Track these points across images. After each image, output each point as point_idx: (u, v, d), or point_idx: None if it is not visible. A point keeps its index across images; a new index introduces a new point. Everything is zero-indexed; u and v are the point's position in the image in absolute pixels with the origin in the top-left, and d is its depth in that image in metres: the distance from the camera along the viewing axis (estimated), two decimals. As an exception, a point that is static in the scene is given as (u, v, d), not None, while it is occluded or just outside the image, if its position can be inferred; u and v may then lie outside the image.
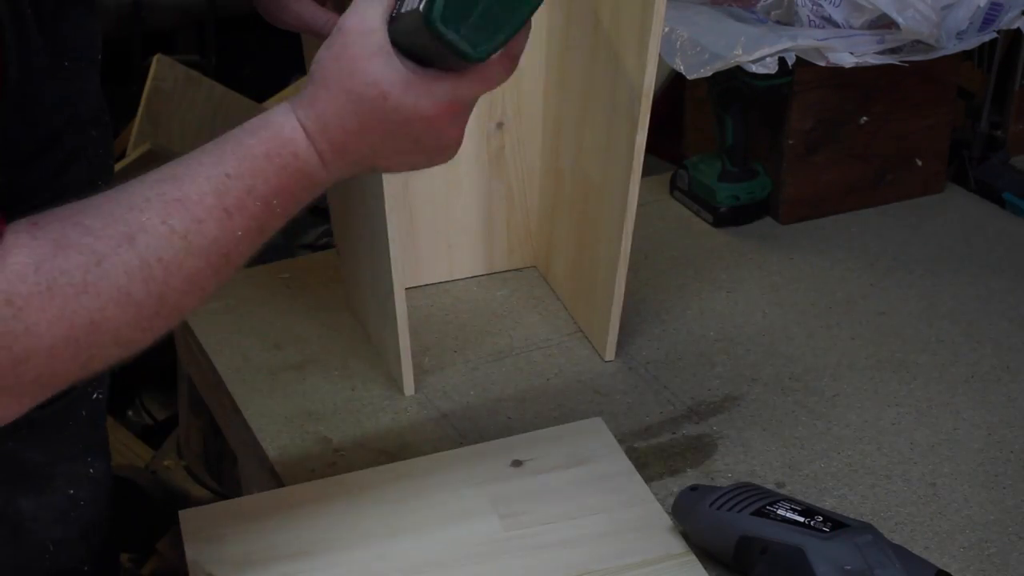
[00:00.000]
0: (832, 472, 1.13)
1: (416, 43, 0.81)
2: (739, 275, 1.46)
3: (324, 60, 0.82)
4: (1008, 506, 1.09)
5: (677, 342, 1.33)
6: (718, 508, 0.99)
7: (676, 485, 1.09)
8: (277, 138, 0.81)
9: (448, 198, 1.40)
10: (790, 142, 1.53)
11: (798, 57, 1.41)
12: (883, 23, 1.42)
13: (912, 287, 1.43)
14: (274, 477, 1.14)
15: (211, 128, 2.57)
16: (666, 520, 1.04)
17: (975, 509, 1.08)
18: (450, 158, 0.87)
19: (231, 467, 1.64)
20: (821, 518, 0.95)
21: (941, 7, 1.43)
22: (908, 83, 1.54)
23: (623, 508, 1.06)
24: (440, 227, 1.41)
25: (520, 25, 0.81)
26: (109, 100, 0.97)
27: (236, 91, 2.69)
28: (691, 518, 1.01)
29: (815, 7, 1.44)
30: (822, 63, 1.41)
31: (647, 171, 1.22)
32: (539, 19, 1.32)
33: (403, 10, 0.81)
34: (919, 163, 1.61)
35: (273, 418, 1.21)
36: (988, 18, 1.47)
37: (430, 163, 0.87)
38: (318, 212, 2.00)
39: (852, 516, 0.99)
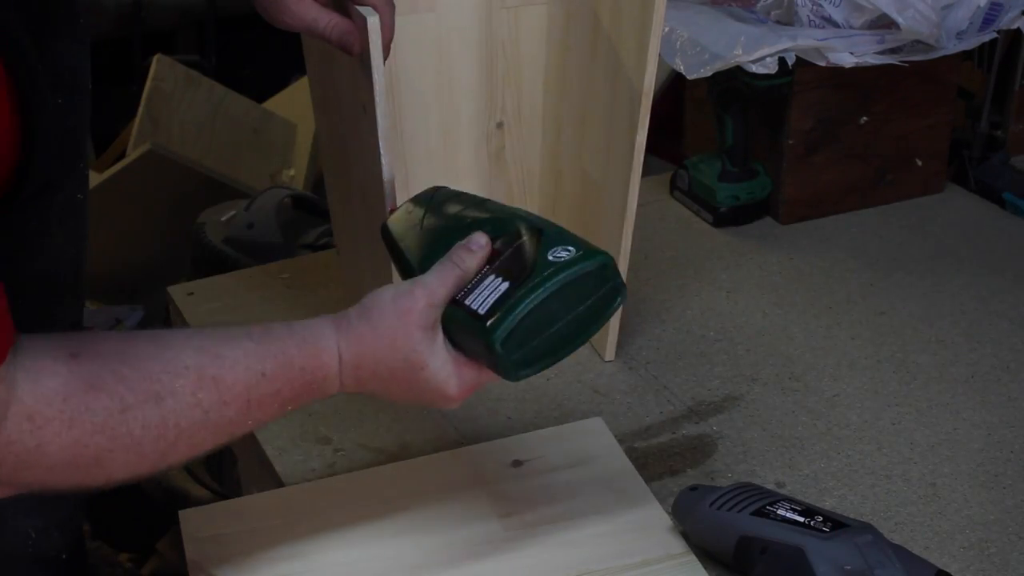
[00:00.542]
0: (832, 472, 1.13)
1: (466, 338, 0.90)
2: (739, 275, 1.46)
3: (385, 306, 0.90)
4: (1008, 506, 1.09)
5: (677, 342, 1.33)
6: (718, 508, 0.99)
7: (676, 485, 1.09)
8: (316, 358, 0.89)
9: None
10: (790, 142, 1.53)
11: (798, 57, 1.41)
12: (883, 23, 1.42)
13: (912, 287, 1.43)
14: (274, 477, 1.14)
15: (211, 128, 2.58)
16: (666, 520, 1.04)
17: (975, 509, 1.08)
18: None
19: (231, 467, 1.64)
20: (821, 518, 0.95)
21: (941, 7, 1.43)
22: (908, 83, 1.54)
23: (623, 508, 1.06)
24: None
25: (560, 359, 0.91)
26: (109, 100, 0.98)
27: (236, 91, 2.70)
28: (691, 518, 1.01)
29: (815, 7, 1.44)
30: (822, 63, 1.41)
31: (647, 171, 1.22)
32: (539, 19, 1.33)
33: (467, 301, 0.89)
34: (919, 163, 1.61)
35: (273, 418, 1.21)
36: (988, 18, 1.47)
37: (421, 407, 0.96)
38: (318, 212, 2.01)
39: (852, 516, 0.99)
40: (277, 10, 1.05)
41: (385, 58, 1.04)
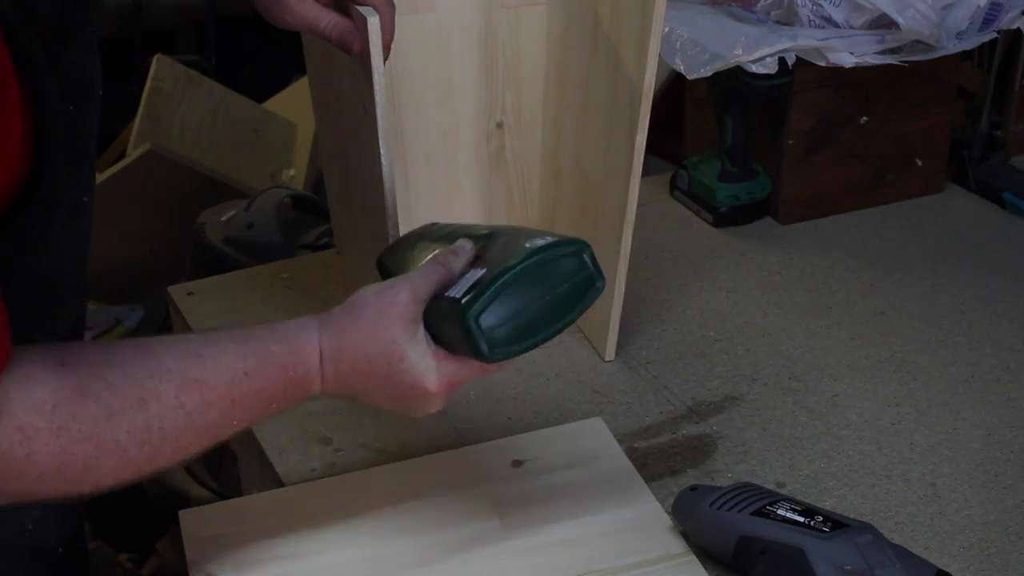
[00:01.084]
0: (832, 472, 1.13)
1: (445, 326, 0.90)
2: (739, 275, 1.46)
3: (368, 300, 0.91)
4: (1008, 506, 1.09)
5: (677, 342, 1.33)
6: (718, 508, 0.99)
7: (676, 485, 1.09)
8: (296, 353, 0.89)
9: (448, 198, 1.40)
10: (790, 142, 1.53)
11: (798, 57, 1.41)
12: (883, 23, 1.42)
13: (912, 287, 1.43)
14: (274, 477, 1.14)
15: (211, 128, 2.58)
16: (666, 520, 1.04)
17: (975, 509, 1.08)
18: (428, 413, 0.95)
19: (231, 467, 1.64)
20: (821, 518, 0.95)
21: (941, 7, 1.43)
22: (908, 83, 1.54)
23: (623, 508, 1.06)
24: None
25: (540, 344, 0.92)
26: (109, 100, 0.98)
27: (236, 91, 2.70)
28: (691, 518, 1.01)
29: (815, 7, 1.44)
30: (822, 63, 1.41)
31: (647, 171, 1.22)
32: (539, 19, 1.33)
33: (448, 293, 0.90)
34: (919, 163, 1.61)
35: (273, 418, 1.21)
36: (988, 18, 1.46)
37: (408, 415, 0.95)
38: (318, 212, 2.01)
39: (852, 516, 0.99)
40: (278, 10, 1.06)
41: (385, 58, 1.05)
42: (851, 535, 0.93)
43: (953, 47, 1.46)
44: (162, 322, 2.01)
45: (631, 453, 1.15)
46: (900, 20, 1.39)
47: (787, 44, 1.40)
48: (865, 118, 1.55)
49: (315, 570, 1.00)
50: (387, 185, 1.11)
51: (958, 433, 1.18)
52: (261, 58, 2.90)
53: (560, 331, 0.93)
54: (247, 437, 1.21)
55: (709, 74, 1.40)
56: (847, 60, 1.41)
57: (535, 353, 1.29)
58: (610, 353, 1.29)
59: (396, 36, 1.09)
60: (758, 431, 1.19)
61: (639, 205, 1.20)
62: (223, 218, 2.04)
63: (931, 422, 1.20)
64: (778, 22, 1.48)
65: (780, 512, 0.96)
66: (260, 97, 2.77)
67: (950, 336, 1.34)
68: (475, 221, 1.42)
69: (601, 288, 0.93)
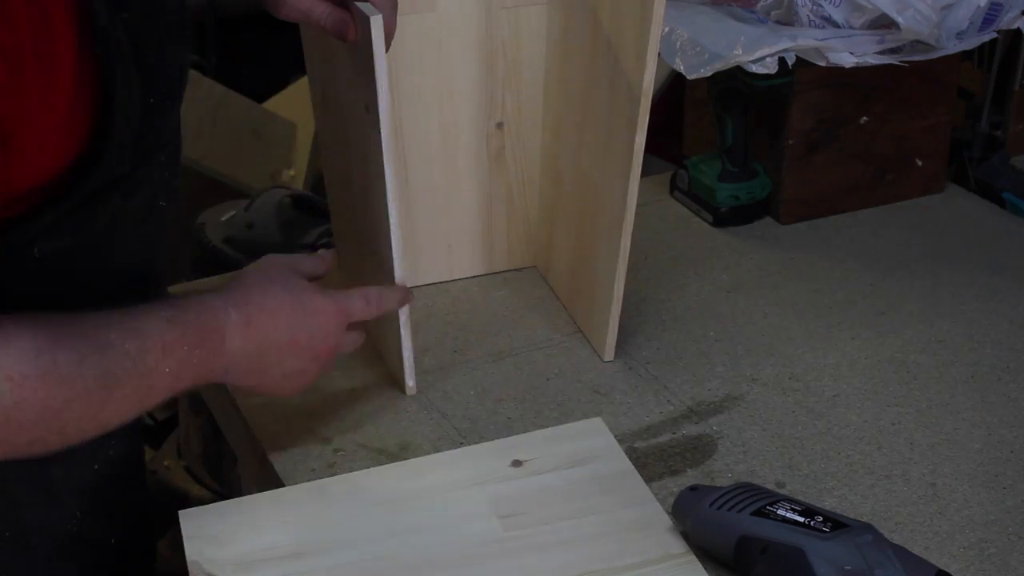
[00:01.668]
0: (832, 472, 1.13)
1: None
2: (739, 275, 1.46)
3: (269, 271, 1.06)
4: (1008, 506, 1.09)
5: (677, 342, 1.33)
6: (718, 508, 0.99)
7: (676, 485, 1.09)
8: (206, 302, 1.00)
9: (448, 198, 1.40)
10: (790, 142, 1.53)
11: (798, 57, 1.41)
12: (883, 23, 1.42)
13: (912, 287, 1.43)
14: (274, 477, 1.14)
15: (211, 128, 2.57)
16: (666, 520, 1.04)
17: (975, 509, 1.08)
18: (305, 384, 1.08)
19: (231, 467, 1.64)
20: (821, 518, 0.95)
21: (941, 7, 1.43)
22: (908, 83, 1.54)
23: (623, 508, 1.06)
24: (440, 227, 1.41)
25: None
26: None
27: (236, 91, 2.70)
28: (691, 518, 1.01)
29: (815, 7, 1.44)
30: (822, 63, 1.41)
31: (647, 171, 1.22)
32: (539, 19, 1.33)
33: None
34: (919, 163, 1.61)
35: (273, 418, 1.21)
36: (988, 18, 1.46)
37: (309, 359, 1.06)
38: (318, 212, 2.01)
39: (852, 516, 0.99)
40: (278, 2, 1.08)
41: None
42: (851, 535, 0.93)
43: (953, 47, 1.46)
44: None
45: (631, 453, 1.15)
46: (900, 20, 1.39)
47: (787, 44, 1.39)
48: (865, 118, 1.55)
49: (315, 570, 1.00)
50: (388, 185, 1.11)
51: (958, 433, 1.18)
52: (261, 58, 2.90)
53: None
54: (247, 437, 1.21)
55: (709, 74, 1.40)
56: (847, 60, 1.41)
57: (535, 353, 1.31)
58: (609, 353, 1.29)
59: (397, 36, 1.09)
60: (758, 431, 1.19)
61: (639, 205, 1.20)
62: (223, 218, 2.04)
63: (931, 422, 1.20)
64: (778, 22, 1.48)
65: (780, 512, 0.96)
66: (260, 97, 2.77)
67: (950, 336, 1.34)
68: (475, 221, 1.42)
69: None
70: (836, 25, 1.44)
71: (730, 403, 1.23)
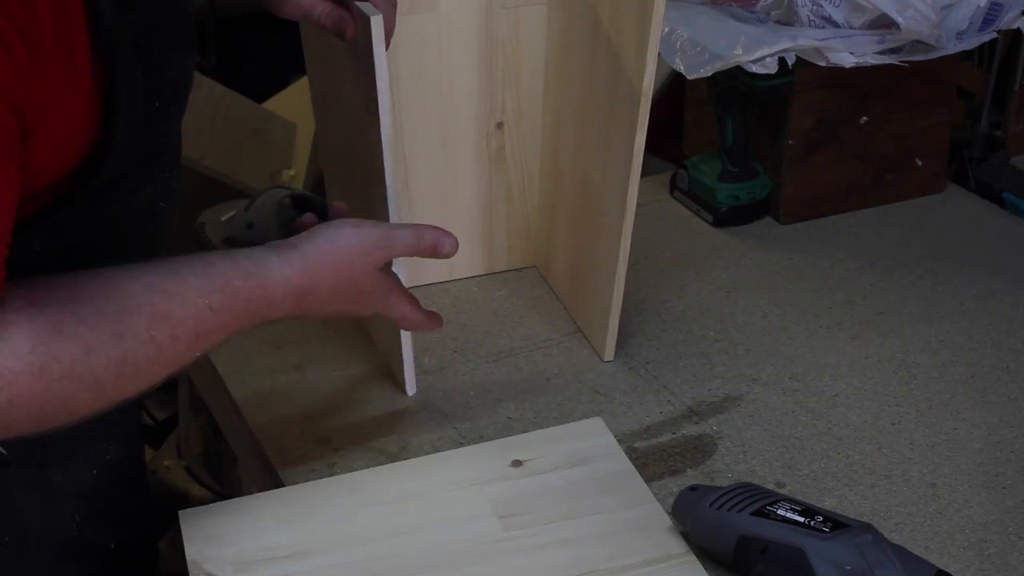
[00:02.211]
0: (832, 472, 1.13)
1: None
2: (739, 275, 1.46)
3: (344, 246, 1.00)
4: (1008, 506, 1.09)
5: (677, 342, 1.33)
6: (718, 508, 0.99)
7: (676, 485, 1.09)
8: (263, 289, 0.93)
9: (448, 198, 1.40)
10: (790, 142, 1.53)
11: (798, 57, 1.41)
12: (883, 23, 1.42)
13: (912, 287, 1.43)
14: (274, 477, 1.14)
15: (211, 128, 2.57)
16: (666, 520, 1.04)
17: (975, 509, 1.08)
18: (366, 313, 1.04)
19: (231, 467, 1.64)
20: (821, 518, 0.95)
21: (941, 7, 1.43)
22: (908, 83, 1.54)
23: (623, 508, 1.06)
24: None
25: None
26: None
27: (236, 91, 2.69)
28: (691, 518, 1.01)
29: (815, 7, 1.44)
30: (822, 63, 1.41)
31: (647, 171, 1.22)
32: (539, 19, 1.33)
33: None
34: (919, 163, 1.61)
35: (273, 418, 1.21)
36: (988, 18, 1.46)
37: (354, 309, 1.02)
38: (318, 212, 2.01)
39: (852, 516, 0.99)
40: (278, 1, 1.09)
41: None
42: (851, 535, 0.93)
43: (953, 47, 1.46)
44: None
45: (631, 453, 1.15)
46: (900, 20, 1.39)
47: (787, 44, 1.39)
48: (865, 118, 1.55)
49: (315, 570, 1.00)
50: (388, 185, 1.11)
51: (958, 433, 1.18)
52: (261, 58, 2.90)
53: None
54: (247, 437, 1.21)
55: (709, 74, 1.40)
56: (847, 60, 1.41)
57: (535, 353, 1.31)
58: (609, 353, 1.29)
59: (397, 36, 1.09)
60: (758, 431, 1.19)
61: (639, 205, 1.20)
62: (223, 218, 2.04)
63: (931, 422, 1.20)
64: (778, 22, 1.48)
65: (780, 512, 0.96)
66: (260, 97, 2.77)
67: (950, 336, 1.34)
68: (475, 221, 1.42)
69: None
70: (836, 25, 1.44)
71: (730, 403, 1.23)
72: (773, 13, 1.48)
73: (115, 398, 0.86)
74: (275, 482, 1.14)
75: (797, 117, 1.51)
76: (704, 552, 1.01)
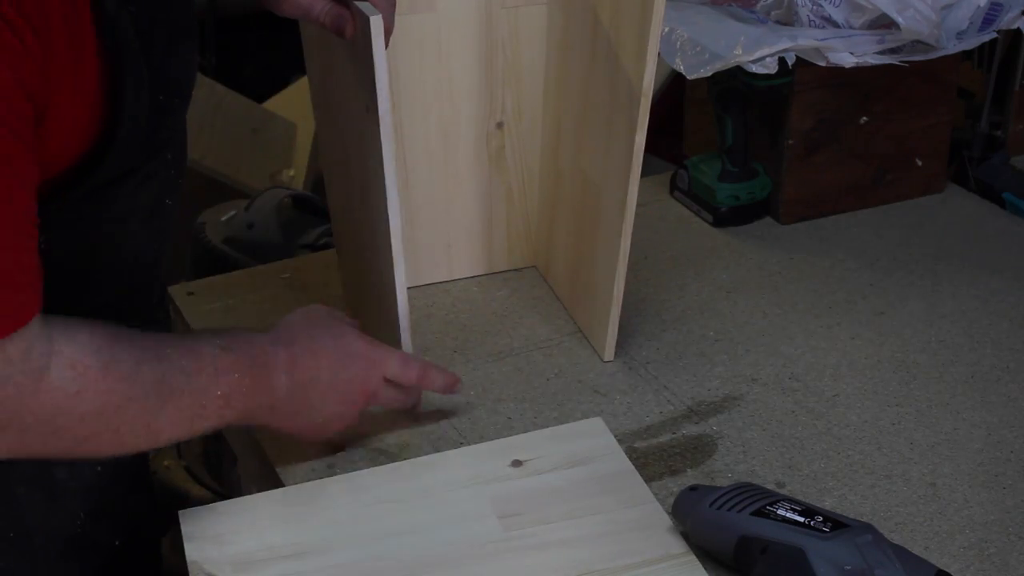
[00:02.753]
0: (832, 472, 1.13)
1: None
2: (739, 275, 1.46)
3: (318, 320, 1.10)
4: (1008, 506, 1.09)
5: (677, 342, 1.33)
6: (718, 508, 0.98)
7: (676, 485, 1.09)
8: (257, 338, 1.03)
9: (448, 198, 1.40)
10: (790, 142, 1.53)
11: (798, 57, 1.41)
12: (883, 23, 1.42)
13: (912, 287, 1.43)
14: (274, 477, 1.14)
15: (211, 128, 2.58)
16: (666, 520, 1.04)
17: (975, 509, 1.08)
18: (341, 429, 1.11)
19: (231, 467, 1.64)
20: (821, 518, 0.95)
21: (941, 7, 1.43)
22: (908, 83, 1.54)
23: (623, 508, 1.06)
24: (440, 227, 1.41)
25: None
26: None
27: (236, 91, 2.70)
28: (691, 518, 1.01)
29: (815, 7, 1.44)
30: (822, 63, 1.41)
31: (647, 171, 1.22)
32: (539, 19, 1.33)
33: None
34: (919, 163, 1.61)
35: (273, 418, 1.21)
36: (988, 18, 1.46)
37: (347, 406, 1.09)
38: (318, 212, 2.01)
39: (852, 516, 0.99)
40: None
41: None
42: (851, 535, 0.93)
43: (953, 47, 1.46)
44: (162, 322, 2.01)
45: (631, 453, 1.15)
46: (900, 20, 1.39)
47: (787, 44, 1.40)
48: (865, 118, 1.55)
49: (315, 570, 1.00)
50: (388, 185, 1.11)
51: (958, 433, 1.18)
52: (261, 58, 2.90)
53: None
54: (247, 437, 1.21)
55: (709, 74, 1.40)
56: (847, 60, 1.41)
57: (535, 353, 1.31)
58: (609, 353, 1.29)
59: (396, 36, 1.09)
60: (758, 431, 1.19)
61: (639, 205, 1.20)
62: (223, 218, 2.04)
63: (931, 422, 1.20)
64: (778, 22, 1.48)
65: (780, 512, 0.96)
66: (260, 97, 2.77)
67: (950, 336, 1.34)
68: (475, 221, 1.42)
69: None
70: (836, 25, 1.44)
71: (730, 403, 1.23)
72: (773, 13, 1.48)
73: (152, 425, 0.92)
74: (275, 482, 1.14)
75: (797, 117, 1.51)
76: (704, 552, 1.01)
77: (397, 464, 1.13)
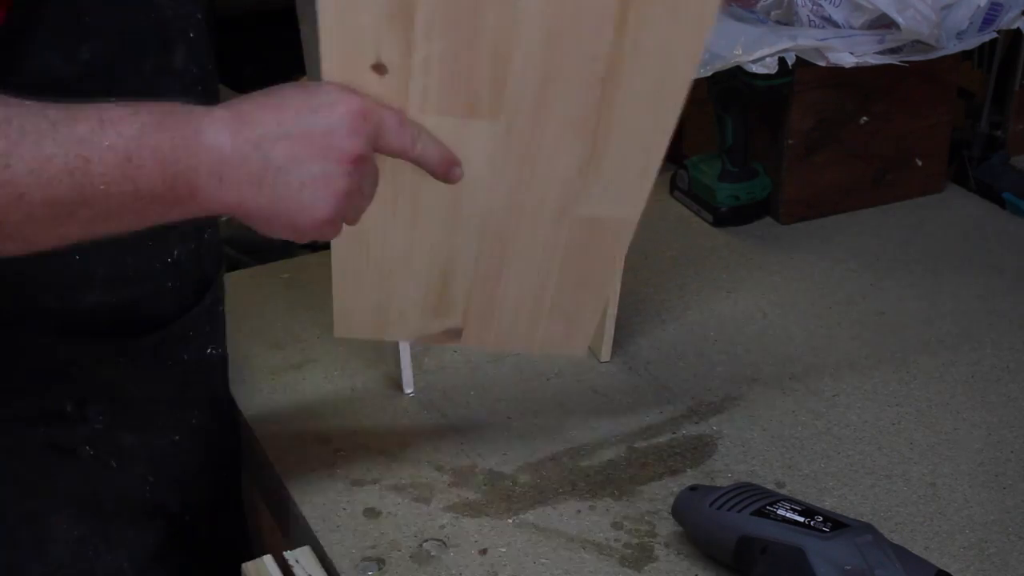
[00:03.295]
0: (832, 472, 1.13)
1: None
2: (739, 275, 1.46)
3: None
4: (1008, 506, 1.09)
5: (677, 342, 1.33)
6: (718, 508, 0.98)
7: (676, 485, 1.09)
8: (188, 111, 0.79)
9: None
10: (790, 142, 1.53)
11: (798, 57, 1.41)
12: (883, 23, 1.42)
13: (912, 287, 1.43)
14: (274, 477, 1.14)
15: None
16: None
17: (975, 509, 1.08)
18: (335, 200, 0.82)
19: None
20: (821, 518, 0.95)
21: (941, 7, 1.43)
22: (908, 83, 1.54)
23: None
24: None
25: None
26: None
27: (236, 91, 2.69)
28: (691, 518, 1.01)
29: (815, 7, 1.44)
30: (822, 63, 1.41)
31: (647, 171, 1.22)
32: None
33: None
34: (919, 163, 1.61)
35: (273, 418, 1.21)
36: (988, 18, 1.46)
37: (325, 183, 0.81)
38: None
39: (852, 516, 0.99)
40: None
41: None
42: (851, 535, 0.93)
43: (953, 47, 1.46)
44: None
45: (631, 453, 1.15)
46: (900, 20, 1.39)
47: (787, 44, 1.39)
48: (865, 118, 1.55)
49: None
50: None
51: (958, 433, 1.18)
52: (261, 58, 2.89)
53: None
54: (247, 437, 1.21)
55: (709, 74, 1.40)
56: (847, 60, 1.41)
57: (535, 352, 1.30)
58: (606, 354, 1.28)
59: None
60: (758, 431, 1.19)
61: (639, 205, 1.20)
62: (223, 218, 2.04)
63: (931, 422, 1.20)
64: (778, 22, 1.48)
65: (780, 512, 0.96)
66: (260, 97, 2.77)
67: (950, 336, 1.34)
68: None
69: None
70: (836, 25, 1.44)
71: (730, 403, 1.23)
72: (773, 13, 1.48)
73: (9, 183, 0.72)
74: (275, 482, 1.14)
75: (797, 117, 1.51)
76: (704, 552, 1.01)
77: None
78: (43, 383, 0.98)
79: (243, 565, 1.05)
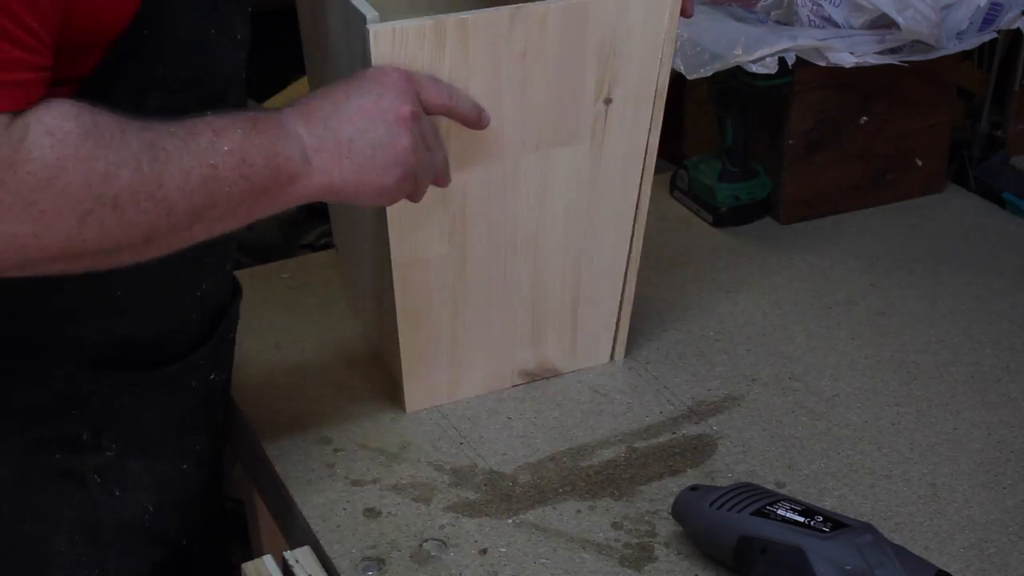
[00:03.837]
0: (832, 472, 1.13)
1: None
2: (739, 275, 1.46)
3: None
4: (1008, 506, 1.09)
5: (677, 342, 1.33)
6: (718, 508, 0.99)
7: (676, 485, 1.09)
8: (266, 112, 0.93)
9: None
10: (790, 142, 1.53)
11: (798, 57, 1.41)
12: (883, 23, 1.43)
13: (912, 287, 1.43)
14: (274, 478, 1.14)
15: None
16: None
17: (975, 509, 1.08)
18: (404, 159, 0.96)
19: (231, 467, 1.64)
20: (821, 518, 0.95)
21: (941, 7, 1.43)
22: (908, 83, 1.54)
23: None
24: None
25: None
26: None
27: (236, 91, 2.69)
28: (691, 518, 1.01)
29: (815, 7, 1.44)
30: (822, 63, 1.41)
31: (647, 171, 1.22)
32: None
33: None
34: (919, 163, 1.61)
35: (273, 418, 1.21)
36: (988, 18, 1.47)
37: (392, 146, 0.95)
38: (318, 212, 2.01)
39: (852, 516, 0.99)
40: None
41: None
42: (851, 535, 0.93)
43: (953, 47, 1.46)
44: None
45: (631, 453, 1.15)
46: (900, 20, 1.39)
47: (787, 44, 1.39)
48: (865, 118, 1.55)
49: None
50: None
51: (958, 433, 1.18)
52: (261, 58, 2.89)
53: None
54: (247, 437, 1.21)
55: (709, 74, 1.40)
56: (847, 60, 1.41)
57: (535, 353, 1.30)
58: (615, 353, 1.29)
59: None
60: (758, 431, 1.19)
61: (639, 205, 1.20)
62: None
63: (931, 422, 1.20)
64: (778, 22, 1.48)
65: (780, 512, 0.96)
66: (260, 97, 2.77)
67: (950, 336, 1.34)
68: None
69: None
70: (836, 25, 1.44)
71: (730, 403, 1.23)
72: (773, 13, 1.48)
73: (159, 194, 0.84)
74: (275, 482, 1.14)
75: (797, 117, 1.51)
76: (704, 552, 1.01)
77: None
78: (63, 410, 1.00)
79: (243, 565, 1.05)
